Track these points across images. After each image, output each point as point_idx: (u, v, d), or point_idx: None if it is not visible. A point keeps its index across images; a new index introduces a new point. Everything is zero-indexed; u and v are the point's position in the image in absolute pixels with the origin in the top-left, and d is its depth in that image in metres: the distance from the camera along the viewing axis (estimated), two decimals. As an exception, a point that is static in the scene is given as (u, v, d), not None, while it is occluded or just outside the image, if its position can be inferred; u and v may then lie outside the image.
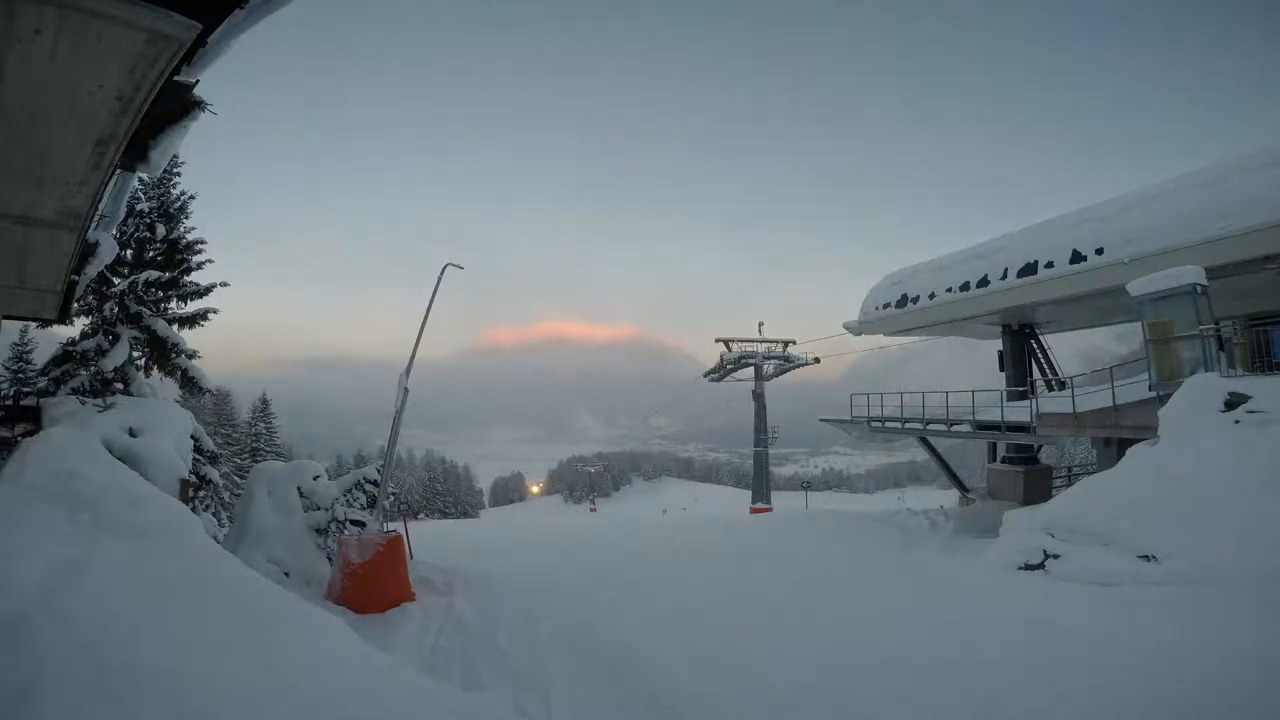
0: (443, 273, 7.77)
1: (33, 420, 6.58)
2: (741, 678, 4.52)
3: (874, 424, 17.49)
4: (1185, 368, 9.70)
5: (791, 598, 7.18)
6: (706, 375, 30.62)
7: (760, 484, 28.36)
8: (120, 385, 8.85)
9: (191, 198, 10.51)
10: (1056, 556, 7.57)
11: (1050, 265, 13.36)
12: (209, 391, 10.47)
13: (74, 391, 8.36)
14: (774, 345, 29.63)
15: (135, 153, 3.67)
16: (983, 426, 14.14)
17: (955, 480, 19.31)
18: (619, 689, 4.30)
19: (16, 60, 2.74)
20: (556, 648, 5.09)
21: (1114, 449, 10.32)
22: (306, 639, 3.36)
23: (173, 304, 10.17)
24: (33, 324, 9.85)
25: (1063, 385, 14.99)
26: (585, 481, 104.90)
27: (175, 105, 3.37)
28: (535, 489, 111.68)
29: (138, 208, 9.88)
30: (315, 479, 7.94)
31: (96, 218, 4.68)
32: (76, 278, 6.02)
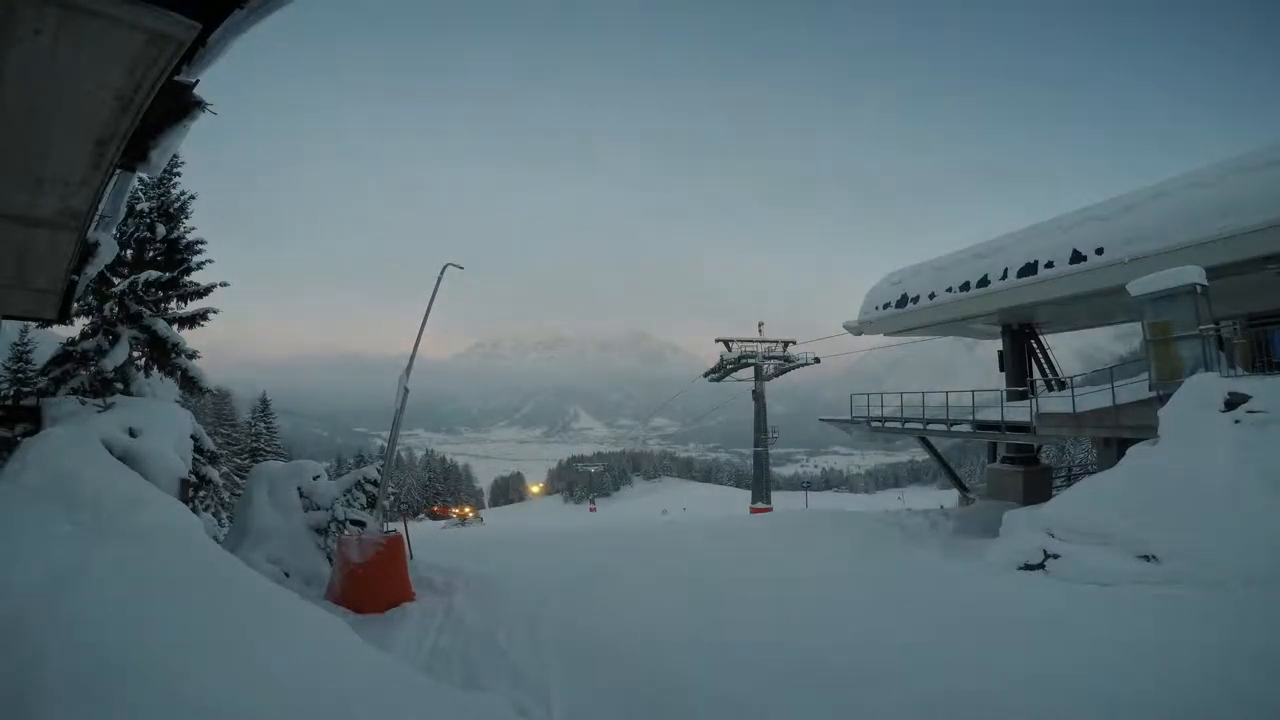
0: (442, 273, 7.77)
1: (33, 420, 6.57)
2: (742, 677, 4.52)
3: (874, 424, 17.50)
4: (1185, 367, 9.70)
5: (793, 597, 7.18)
6: (706, 375, 30.58)
7: (760, 484, 28.33)
8: (120, 385, 8.85)
9: (191, 198, 10.53)
10: (1056, 556, 7.57)
11: (1050, 265, 13.37)
12: (209, 391, 10.48)
13: (74, 391, 8.36)
14: (774, 345, 29.61)
15: (135, 153, 3.67)
16: (983, 426, 14.15)
17: (955, 480, 19.34)
18: (619, 689, 4.30)
19: (16, 60, 2.74)
20: (556, 648, 5.09)
21: (1114, 449, 10.32)
22: (306, 639, 3.36)
23: (173, 304, 10.18)
24: (33, 324, 9.86)
25: (1063, 385, 15.01)
26: (585, 481, 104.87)
27: (175, 105, 3.37)
28: (535, 489, 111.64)
29: (138, 208, 9.88)
30: (315, 479, 7.94)
31: (96, 218, 4.68)
32: (76, 278, 6.01)
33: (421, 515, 56.61)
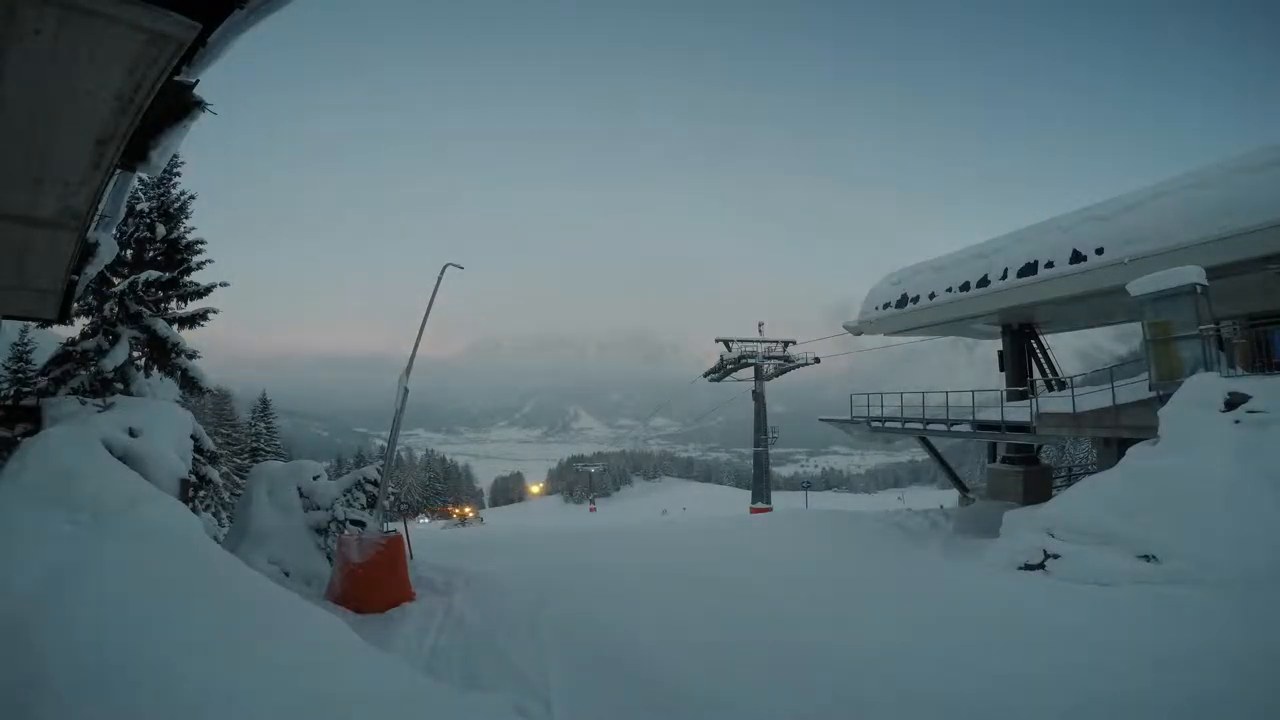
0: (443, 273, 7.77)
1: (33, 420, 6.57)
2: (742, 677, 4.52)
3: (874, 424, 17.50)
4: (1185, 367, 9.70)
5: (792, 597, 7.18)
6: (706, 375, 30.59)
7: (760, 484, 28.33)
8: (120, 385, 8.85)
9: (191, 198, 10.53)
10: (1056, 556, 7.57)
11: (1050, 265, 13.37)
12: (209, 391, 10.49)
13: (74, 391, 8.36)
14: (774, 345, 29.61)
15: (135, 153, 3.67)
16: (983, 426, 14.15)
17: (955, 480, 19.33)
18: (619, 689, 4.30)
19: (16, 60, 2.74)
20: (556, 648, 5.09)
21: (1114, 449, 10.32)
22: (306, 639, 3.36)
23: (173, 304, 10.19)
24: (33, 324, 9.85)
25: (1063, 385, 15.00)
26: (585, 481, 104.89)
27: (175, 105, 3.37)
28: (535, 489, 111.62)
29: (138, 208, 9.89)
30: (315, 479, 7.94)
31: (96, 218, 4.68)
32: (76, 278, 6.01)
33: (422, 517, 56.61)
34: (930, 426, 15.63)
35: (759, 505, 26.84)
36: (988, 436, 14.60)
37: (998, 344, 17.62)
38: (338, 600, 6.16)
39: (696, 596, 7.16)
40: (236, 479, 21.75)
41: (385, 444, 7.48)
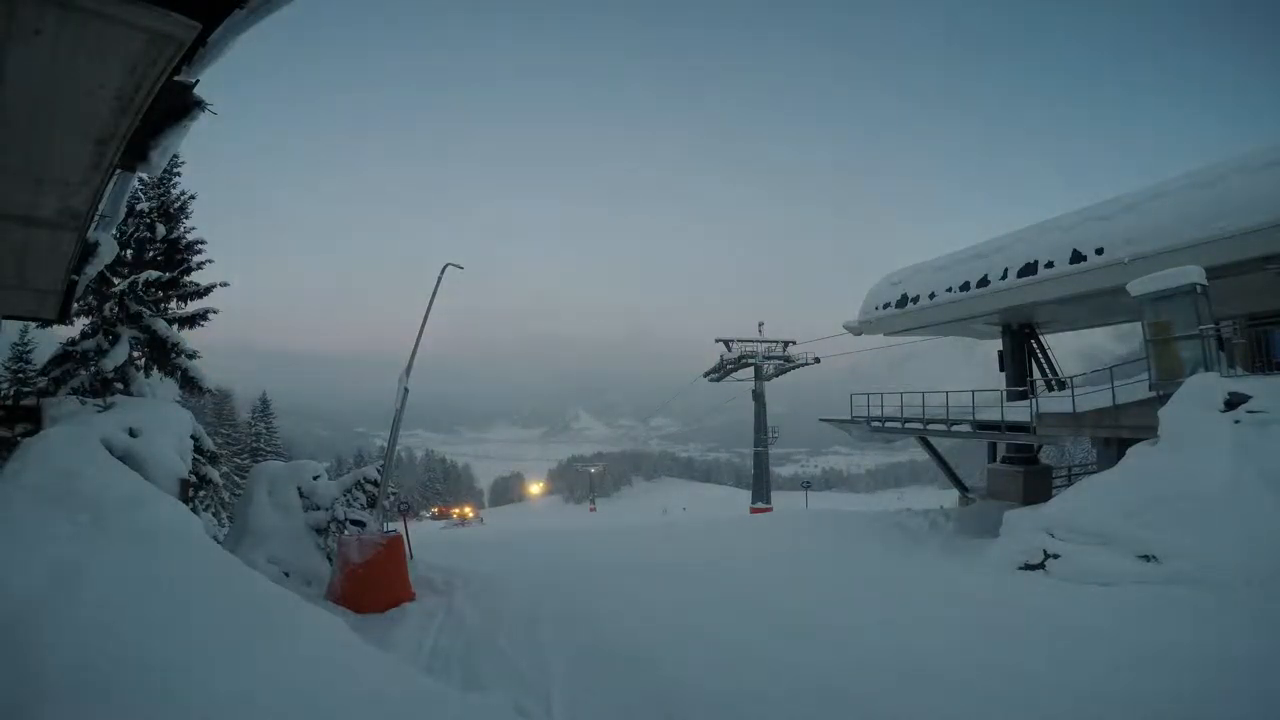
0: (443, 273, 7.77)
1: (33, 420, 6.57)
2: (741, 677, 4.52)
3: (874, 424, 17.48)
4: (1185, 367, 9.69)
5: (790, 596, 7.18)
6: (706, 375, 30.59)
7: (760, 484, 28.34)
8: (120, 385, 8.85)
9: (191, 198, 10.53)
10: (1056, 556, 7.57)
11: (1050, 265, 13.35)
12: (209, 391, 10.48)
13: (74, 391, 8.36)
14: (774, 345, 29.62)
15: (135, 152, 3.67)
16: (983, 426, 14.12)
17: (955, 480, 19.30)
18: (619, 689, 4.30)
19: (16, 60, 2.74)
20: (556, 648, 5.09)
21: (1114, 449, 10.31)
22: (307, 639, 3.36)
23: (173, 304, 10.19)
24: (33, 324, 9.85)
25: (1063, 385, 14.99)
26: (585, 481, 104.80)
27: (175, 105, 3.37)
28: (535, 489, 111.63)
29: (138, 208, 9.89)
30: (315, 479, 7.95)
31: (96, 218, 4.68)
32: (76, 278, 6.01)
33: (424, 514, 56.54)
34: (930, 426, 15.60)
35: (759, 505, 26.84)
36: (988, 436, 14.58)
37: (998, 344, 17.60)
38: (338, 600, 6.16)
39: (696, 595, 7.17)
40: (236, 479, 21.74)
41: (385, 444, 7.49)
